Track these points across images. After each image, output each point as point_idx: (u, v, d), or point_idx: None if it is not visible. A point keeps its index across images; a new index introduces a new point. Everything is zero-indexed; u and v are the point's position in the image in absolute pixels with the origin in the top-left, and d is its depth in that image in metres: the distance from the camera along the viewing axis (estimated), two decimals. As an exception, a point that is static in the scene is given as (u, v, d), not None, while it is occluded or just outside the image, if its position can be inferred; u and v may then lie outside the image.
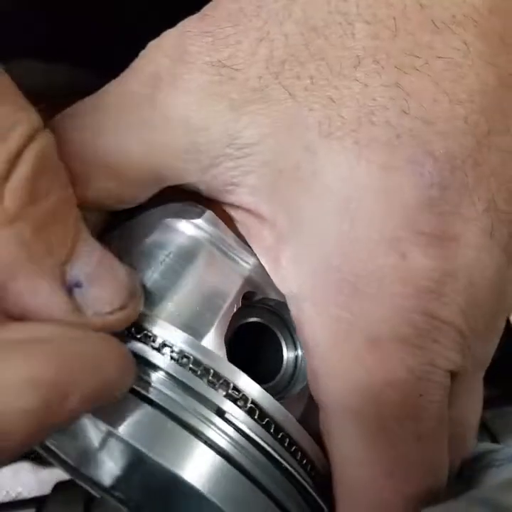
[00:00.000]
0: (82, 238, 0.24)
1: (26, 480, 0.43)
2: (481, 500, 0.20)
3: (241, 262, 0.29)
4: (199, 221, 0.29)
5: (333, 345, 0.26)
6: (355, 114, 0.25)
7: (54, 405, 0.20)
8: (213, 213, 0.29)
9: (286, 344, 0.31)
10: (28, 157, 0.22)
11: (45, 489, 0.40)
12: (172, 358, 0.25)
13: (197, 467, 0.24)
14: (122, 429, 0.24)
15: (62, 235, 0.23)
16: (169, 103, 0.27)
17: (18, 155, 0.22)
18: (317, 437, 0.28)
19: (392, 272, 0.25)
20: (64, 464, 0.35)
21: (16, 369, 0.20)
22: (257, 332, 0.31)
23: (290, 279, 0.27)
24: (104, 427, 0.30)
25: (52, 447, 0.34)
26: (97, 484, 0.35)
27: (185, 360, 0.25)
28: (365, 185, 0.25)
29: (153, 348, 0.25)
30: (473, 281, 0.25)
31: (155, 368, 0.26)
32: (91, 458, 0.35)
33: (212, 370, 0.25)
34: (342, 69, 0.25)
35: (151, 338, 0.26)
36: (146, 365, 0.26)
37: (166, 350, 0.26)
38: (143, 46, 0.29)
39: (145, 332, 0.26)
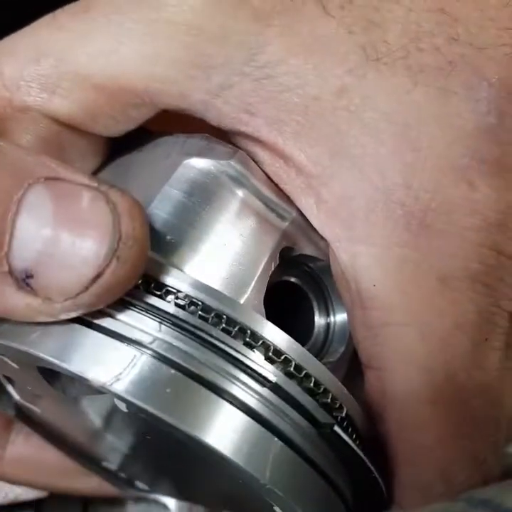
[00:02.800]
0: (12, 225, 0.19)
1: None
2: (482, 502, 0.19)
3: (277, 213, 0.25)
4: (230, 162, 0.25)
5: (398, 289, 0.23)
6: (400, 40, 0.23)
7: None
8: (245, 154, 0.25)
9: (319, 309, 0.28)
10: None
11: (44, 491, 0.37)
12: (200, 316, 0.21)
13: (222, 430, 0.20)
14: (131, 392, 0.20)
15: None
16: (176, 3, 0.23)
17: None
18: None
19: (462, 202, 0.23)
20: (69, 451, 0.32)
21: None
22: (288, 293, 0.28)
23: (337, 221, 0.24)
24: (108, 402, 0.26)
25: (55, 432, 0.31)
26: (103, 469, 0.32)
27: (215, 318, 0.21)
28: (424, 110, 0.23)
29: (178, 306, 0.21)
30: None
31: (174, 323, 0.21)
32: (95, 441, 0.31)
33: (245, 326, 0.22)
34: None
35: (175, 295, 0.21)
36: (163, 319, 0.21)
37: (192, 307, 0.21)
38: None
39: (171, 287, 0.22)
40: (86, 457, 0.32)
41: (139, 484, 0.32)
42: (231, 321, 0.21)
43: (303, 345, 0.25)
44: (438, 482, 0.24)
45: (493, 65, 0.23)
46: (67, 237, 0.19)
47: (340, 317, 0.28)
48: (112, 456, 0.31)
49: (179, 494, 0.31)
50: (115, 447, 0.30)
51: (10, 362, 0.25)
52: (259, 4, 0.23)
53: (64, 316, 0.20)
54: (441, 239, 0.23)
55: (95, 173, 0.28)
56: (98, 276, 0.19)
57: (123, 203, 0.20)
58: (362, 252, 0.24)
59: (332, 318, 0.28)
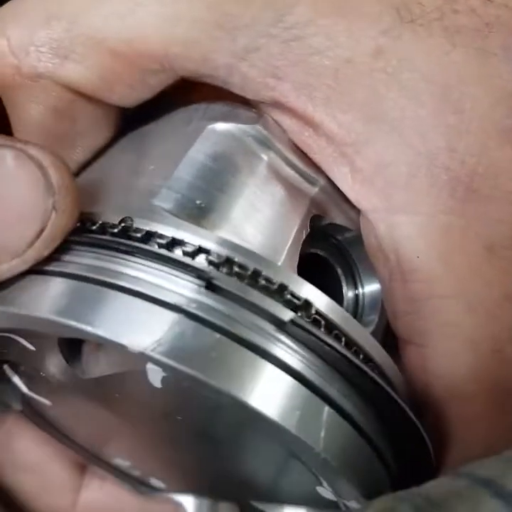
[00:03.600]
0: None
1: None
2: (484, 481, 0.17)
3: (306, 179, 0.24)
4: (256, 127, 0.24)
5: (443, 260, 0.22)
6: (434, 1, 0.23)
7: None
8: (271, 118, 0.24)
9: (347, 282, 0.27)
10: None
11: None
12: (233, 272, 0.20)
13: (271, 394, 0.19)
14: (175, 357, 0.18)
15: None
16: None
17: None
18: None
19: (509, 166, 0.22)
20: (78, 448, 0.29)
21: None
22: (314, 265, 0.26)
23: (374, 190, 0.23)
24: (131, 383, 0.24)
25: (64, 427, 0.28)
26: (114, 466, 0.30)
27: (252, 278, 0.20)
28: (465, 71, 0.22)
29: (212, 264, 0.20)
30: None
31: (212, 286, 0.20)
32: (108, 433, 0.29)
33: (283, 285, 0.20)
34: None
35: (210, 253, 0.20)
36: (200, 280, 0.20)
37: (226, 266, 0.20)
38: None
39: (209, 250, 0.20)
40: (96, 454, 0.30)
41: (154, 482, 0.30)
42: (270, 280, 0.20)
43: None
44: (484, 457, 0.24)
45: None
46: (1, 199, 0.19)
47: (368, 289, 0.27)
48: (125, 450, 0.29)
49: (200, 489, 0.29)
50: (130, 440, 0.28)
51: (25, 343, 0.23)
52: None
53: (10, 274, 0.20)
54: (488, 205, 0.22)
55: (108, 145, 0.26)
56: (41, 230, 0.19)
57: (45, 157, 0.20)
58: (403, 222, 0.23)
59: (361, 290, 0.27)
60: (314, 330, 0.20)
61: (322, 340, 0.20)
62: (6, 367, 0.27)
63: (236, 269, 0.20)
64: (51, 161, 0.20)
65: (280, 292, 0.20)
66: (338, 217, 0.25)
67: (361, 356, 0.21)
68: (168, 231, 0.21)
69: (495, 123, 0.22)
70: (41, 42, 0.23)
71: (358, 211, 0.25)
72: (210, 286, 0.20)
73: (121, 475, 0.30)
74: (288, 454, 0.21)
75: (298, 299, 0.20)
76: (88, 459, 0.30)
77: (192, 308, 0.19)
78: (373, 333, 0.26)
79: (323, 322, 0.21)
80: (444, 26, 0.22)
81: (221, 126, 0.24)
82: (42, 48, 0.23)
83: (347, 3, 0.22)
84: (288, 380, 0.19)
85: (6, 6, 0.24)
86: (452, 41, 0.22)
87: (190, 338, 0.19)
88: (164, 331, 0.19)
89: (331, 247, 0.27)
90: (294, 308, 0.20)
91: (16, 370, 0.27)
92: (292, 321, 0.20)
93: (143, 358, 0.19)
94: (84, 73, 0.23)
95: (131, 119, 0.26)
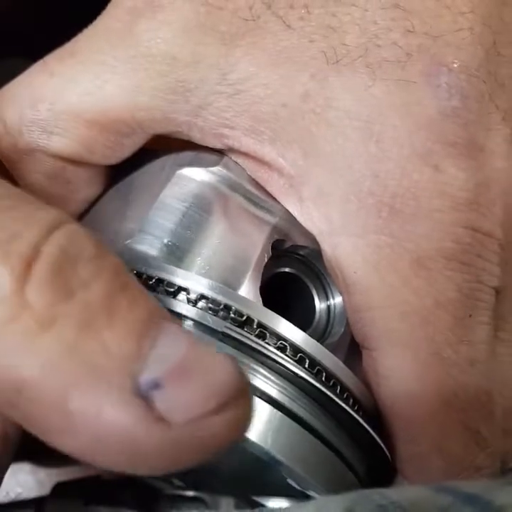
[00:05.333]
0: (157, 327, 0.18)
1: (25, 481, 0.42)
2: (470, 496, 0.18)
3: (265, 208, 0.27)
4: (217, 168, 0.27)
5: (376, 274, 0.25)
6: (358, 40, 0.24)
7: None
8: (231, 159, 0.28)
9: (318, 294, 0.30)
10: (48, 251, 0.18)
11: (45, 490, 0.39)
12: (210, 308, 0.24)
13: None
14: None
15: (123, 330, 0.17)
16: (150, 38, 0.25)
17: (35, 251, 0.18)
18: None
19: (429, 186, 0.24)
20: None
21: None
22: (287, 283, 0.30)
23: (318, 216, 0.26)
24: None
25: None
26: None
27: (224, 312, 0.23)
28: (384, 103, 0.24)
29: (189, 301, 0.24)
30: (505, 191, 0.25)
31: (192, 322, 0.23)
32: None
33: (256, 320, 0.24)
34: None
35: (187, 292, 0.24)
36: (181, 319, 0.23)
37: (202, 302, 0.24)
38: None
39: (178, 286, 0.24)
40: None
41: (175, 481, 0.34)
42: (237, 312, 0.24)
43: (306, 330, 0.27)
44: (435, 455, 0.26)
45: (451, 51, 0.24)
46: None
47: (339, 299, 0.29)
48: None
49: (211, 488, 0.33)
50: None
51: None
52: (226, 29, 0.25)
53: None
54: (412, 222, 0.24)
55: (101, 196, 0.30)
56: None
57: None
58: (342, 242, 0.25)
59: (332, 301, 0.30)
60: (294, 367, 0.23)
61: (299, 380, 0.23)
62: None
63: (232, 314, 0.23)
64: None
65: (274, 336, 0.24)
66: (299, 239, 0.28)
67: (323, 374, 0.24)
68: (140, 269, 0.24)
69: (414, 148, 0.24)
70: (30, 122, 0.27)
71: None
72: (206, 329, 0.23)
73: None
74: (256, 455, 0.25)
75: (283, 339, 0.24)
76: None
77: None
78: (341, 339, 0.28)
79: (307, 360, 0.24)
80: (367, 62, 0.24)
81: (188, 170, 0.28)
82: (31, 127, 0.27)
83: (281, 54, 0.25)
84: (265, 406, 0.23)
85: (1, 91, 0.28)
86: (373, 75, 0.24)
87: None
88: None
89: (299, 263, 0.30)
90: (280, 348, 0.24)
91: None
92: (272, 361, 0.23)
93: None
94: (68, 143, 0.27)
95: (120, 170, 0.30)
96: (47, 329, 0.17)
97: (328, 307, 0.30)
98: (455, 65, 0.24)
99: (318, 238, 0.26)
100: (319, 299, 0.30)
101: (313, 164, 0.25)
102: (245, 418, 0.18)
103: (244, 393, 0.18)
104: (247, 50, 0.25)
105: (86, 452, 0.17)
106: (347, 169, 0.25)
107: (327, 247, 0.26)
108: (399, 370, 0.25)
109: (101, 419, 0.16)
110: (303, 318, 0.29)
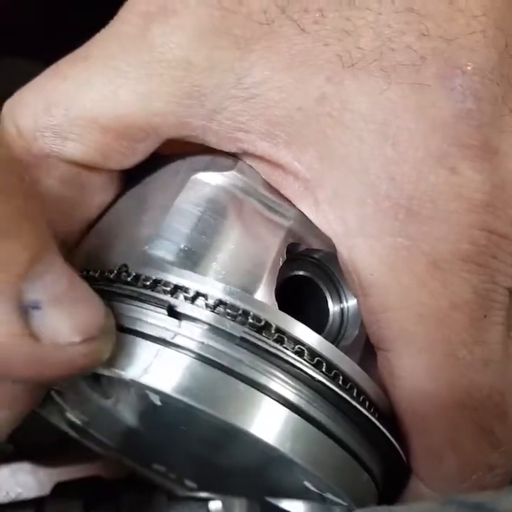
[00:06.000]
0: (47, 257, 0.21)
1: (26, 481, 0.42)
2: (475, 505, 0.19)
3: (280, 212, 0.28)
4: (232, 173, 0.27)
5: (393, 276, 0.25)
6: (373, 43, 0.25)
7: None
8: (246, 163, 0.28)
9: (331, 297, 0.30)
10: None
11: (45, 490, 0.40)
12: (228, 314, 0.24)
13: (264, 421, 0.23)
14: (177, 390, 0.22)
15: (17, 249, 0.20)
16: (164, 43, 0.25)
17: None
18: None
19: (445, 188, 0.24)
20: (122, 458, 0.34)
21: None
22: (300, 286, 0.30)
23: (333, 219, 0.26)
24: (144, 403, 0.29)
25: (91, 431, 0.33)
26: (155, 470, 0.34)
27: (242, 317, 0.24)
28: (400, 106, 0.25)
29: (207, 306, 0.24)
30: None
31: (210, 326, 0.24)
32: (139, 445, 0.33)
33: (274, 325, 0.24)
34: None
35: (205, 298, 0.24)
36: (196, 323, 0.24)
37: (221, 308, 0.24)
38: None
39: (196, 292, 0.24)
40: (138, 461, 0.35)
41: (188, 483, 0.35)
42: (255, 317, 0.24)
43: (320, 332, 0.27)
44: (448, 451, 0.26)
45: (465, 54, 0.24)
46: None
47: (352, 302, 0.30)
48: (157, 457, 0.34)
49: (225, 489, 0.33)
50: (157, 448, 0.33)
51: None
52: (240, 33, 0.25)
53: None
54: (429, 225, 0.25)
55: (114, 201, 0.30)
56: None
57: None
58: (358, 244, 0.26)
59: (345, 304, 0.30)
60: (311, 370, 0.24)
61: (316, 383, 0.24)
62: (52, 392, 0.32)
63: (250, 319, 0.24)
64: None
65: (292, 341, 0.24)
66: (313, 243, 0.28)
67: (340, 377, 0.25)
68: (158, 275, 0.25)
69: (430, 151, 0.24)
70: (44, 127, 0.27)
71: None
72: (223, 333, 0.24)
73: (161, 478, 0.35)
74: (273, 458, 0.25)
75: (283, 333, 0.24)
76: (132, 464, 0.34)
77: (172, 340, 0.23)
78: (356, 341, 0.29)
79: (324, 363, 0.24)
80: (382, 66, 0.25)
81: (203, 175, 0.28)
82: (45, 132, 0.27)
83: (296, 58, 0.25)
84: (282, 409, 0.23)
85: (14, 96, 0.28)
86: (388, 79, 0.25)
87: (171, 364, 0.23)
88: (150, 361, 0.23)
89: (313, 266, 0.30)
90: (297, 351, 0.24)
91: (59, 393, 0.32)
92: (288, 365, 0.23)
93: (135, 384, 0.23)
94: (82, 149, 0.27)
95: (135, 175, 0.31)
96: None
97: (342, 310, 0.30)
98: (469, 68, 0.24)
99: (334, 240, 0.26)
100: (333, 301, 0.30)
101: (329, 167, 0.25)
102: (102, 353, 0.22)
103: (106, 332, 0.22)
104: (261, 54, 0.25)
105: None
106: (363, 172, 0.25)
107: (343, 249, 0.26)
108: (414, 371, 0.25)
109: None
110: (317, 321, 0.29)
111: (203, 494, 0.35)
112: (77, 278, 0.22)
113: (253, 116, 0.26)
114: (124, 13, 0.27)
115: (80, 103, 0.26)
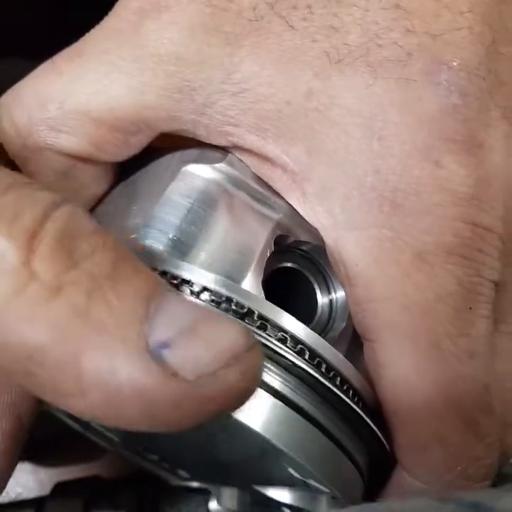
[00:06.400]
0: (162, 293, 0.19)
1: (26, 481, 0.43)
2: (472, 504, 0.19)
3: (268, 205, 0.28)
4: (221, 165, 0.28)
5: (377, 267, 0.25)
6: (360, 39, 0.25)
7: None
8: (235, 156, 0.28)
9: (320, 288, 0.30)
10: (50, 226, 0.19)
11: (45, 490, 0.39)
12: (213, 301, 0.24)
13: (248, 407, 0.23)
14: None
15: (129, 293, 0.19)
16: (157, 38, 0.26)
17: (39, 226, 0.19)
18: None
19: (430, 181, 0.25)
20: (112, 445, 0.35)
21: None
22: (289, 278, 0.30)
23: (321, 211, 0.26)
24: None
25: (94, 425, 0.34)
26: (149, 459, 0.35)
27: (226, 304, 0.24)
28: (386, 100, 0.25)
29: (192, 293, 0.24)
30: (505, 186, 0.25)
31: None
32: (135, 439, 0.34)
33: (256, 312, 0.24)
34: None
35: (190, 284, 0.24)
36: None
37: (206, 294, 0.24)
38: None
39: (181, 279, 0.24)
40: (135, 452, 0.35)
41: (181, 472, 0.35)
42: (238, 304, 0.24)
43: (308, 324, 0.27)
44: (433, 443, 0.26)
45: (451, 49, 0.25)
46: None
47: (341, 293, 0.30)
48: (152, 448, 0.34)
49: (215, 478, 0.34)
50: (152, 438, 0.33)
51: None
52: (230, 29, 0.25)
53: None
54: (413, 217, 0.25)
55: (107, 193, 0.31)
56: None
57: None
58: (344, 236, 0.26)
59: (334, 295, 0.30)
60: (297, 360, 0.24)
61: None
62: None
63: (233, 306, 0.24)
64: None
65: (275, 328, 0.24)
66: (302, 235, 0.29)
67: (323, 365, 0.25)
68: (157, 265, 0.25)
69: (416, 144, 0.25)
70: (40, 121, 0.27)
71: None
72: None
73: (155, 466, 0.35)
74: (257, 444, 0.25)
75: (285, 331, 0.24)
76: (125, 452, 0.35)
77: None
78: (343, 333, 0.29)
79: (307, 352, 0.25)
80: (368, 61, 0.25)
81: (193, 167, 0.28)
82: (40, 126, 0.28)
83: (284, 54, 0.26)
84: (269, 398, 0.24)
85: (9, 92, 0.29)
86: (374, 74, 0.25)
87: None
88: None
89: (301, 258, 0.30)
90: (282, 340, 0.24)
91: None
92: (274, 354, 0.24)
93: None
94: (77, 142, 0.28)
95: (128, 168, 0.31)
96: (55, 296, 0.18)
97: (331, 301, 0.30)
98: (455, 64, 0.25)
99: (322, 232, 0.27)
100: (321, 293, 0.30)
101: (316, 161, 0.26)
102: (257, 369, 0.19)
103: (253, 346, 0.19)
104: (251, 49, 0.25)
105: (101, 411, 0.18)
106: (349, 165, 0.25)
107: (330, 240, 0.27)
108: (399, 361, 0.26)
109: (116, 377, 0.18)
110: (305, 313, 0.30)
111: (195, 484, 0.35)
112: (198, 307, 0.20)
113: (242, 111, 0.26)
114: (118, 10, 0.27)
115: (75, 97, 0.27)
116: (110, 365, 0.18)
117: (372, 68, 0.25)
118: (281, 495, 0.29)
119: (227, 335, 0.19)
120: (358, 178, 0.25)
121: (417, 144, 0.25)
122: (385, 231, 0.25)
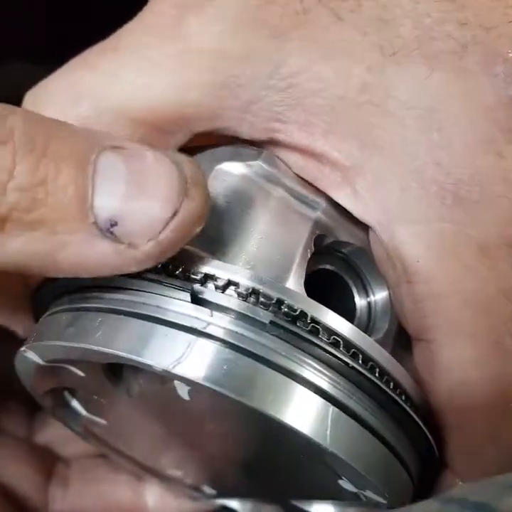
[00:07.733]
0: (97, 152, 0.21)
1: None
2: (477, 505, 0.19)
3: (307, 203, 0.27)
4: (257, 162, 0.27)
5: (439, 262, 0.24)
6: (412, 32, 0.24)
7: None
8: (271, 153, 0.27)
9: (358, 291, 0.29)
10: None
11: None
12: (262, 303, 0.23)
13: (302, 412, 0.22)
14: (211, 380, 0.21)
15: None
16: (199, 32, 0.25)
17: None
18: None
19: (493, 172, 0.24)
20: (134, 462, 0.33)
21: None
22: (325, 280, 0.29)
23: (374, 206, 0.25)
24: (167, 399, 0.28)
25: (120, 449, 0.32)
26: (169, 477, 0.33)
27: (274, 306, 0.23)
28: (444, 91, 0.25)
29: (240, 295, 0.23)
30: None
31: (242, 316, 0.23)
32: (158, 447, 0.32)
33: (309, 315, 0.23)
34: None
35: (237, 286, 0.23)
36: (227, 312, 0.23)
37: (253, 297, 0.23)
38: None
39: (227, 280, 0.23)
40: (151, 466, 0.33)
41: (206, 489, 0.33)
42: (289, 306, 0.23)
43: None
44: (489, 445, 0.25)
45: (504, 42, 0.25)
46: (142, 187, 0.21)
47: (379, 296, 0.29)
48: (176, 461, 0.32)
49: (246, 494, 0.32)
50: (179, 451, 0.31)
51: (75, 370, 0.26)
52: (277, 22, 0.25)
53: (149, 263, 0.22)
54: (476, 209, 0.24)
55: None
56: (174, 214, 0.21)
57: (180, 155, 0.22)
58: (403, 231, 0.25)
59: (373, 297, 0.29)
60: (344, 359, 0.23)
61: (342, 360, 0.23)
62: (65, 393, 0.31)
63: (285, 308, 0.23)
64: (185, 158, 0.22)
65: (324, 330, 0.23)
66: (341, 235, 0.28)
67: (376, 369, 0.24)
68: (187, 264, 0.24)
69: (475, 135, 0.24)
70: (72, 119, 0.25)
71: (359, 227, 0.27)
72: (255, 322, 0.23)
73: (175, 483, 0.34)
74: (308, 454, 0.24)
75: (318, 322, 0.23)
76: (144, 470, 0.33)
77: (204, 329, 0.22)
78: (386, 335, 0.28)
79: (360, 355, 0.23)
80: (423, 53, 0.25)
81: (227, 165, 0.27)
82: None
83: (334, 48, 0.25)
84: (296, 386, 0.22)
85: (38, 87, 0.27)
86: (431, 66, 0.24)
87: (205, 354, 0.22)
88: (182, 351, 0.22)
89: (339, 261, 0.29)
90: (331, 342, 0.23)
91: (74, 395, 0.31)
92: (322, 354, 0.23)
93: (167, 374, 0.22)
94: None
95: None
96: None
97: (369, 304, 0.29)
98: (510, 55, 0.24)
99: (376, 228, 0.26)
100: (359, 296, 0.29)
101: (370, 154, 0.25)
102: (202, 208, 0.22)
103: (196, 184, 0.22)
104: (298, 43, 0.25)
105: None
106: (407, 157, 0.25)
107: (386, 236, 0.26)
108: (458, 361, 0.25)
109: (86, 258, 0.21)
110: (343, 315, 0.28)
111: (221, 501, 0.33)
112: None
113: (290, 107, 0.25)
114: (155, 5, 0.26)
115: (111, 95, 0.26)
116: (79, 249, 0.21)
117: (428, 60, 0.25)
118: (323, 510, 0.28)
119: (165, 181, 0.21)
120: (417, 171, 0.24)
121: (478, 135, 0.24)
122: (448, 225, 0.24)
